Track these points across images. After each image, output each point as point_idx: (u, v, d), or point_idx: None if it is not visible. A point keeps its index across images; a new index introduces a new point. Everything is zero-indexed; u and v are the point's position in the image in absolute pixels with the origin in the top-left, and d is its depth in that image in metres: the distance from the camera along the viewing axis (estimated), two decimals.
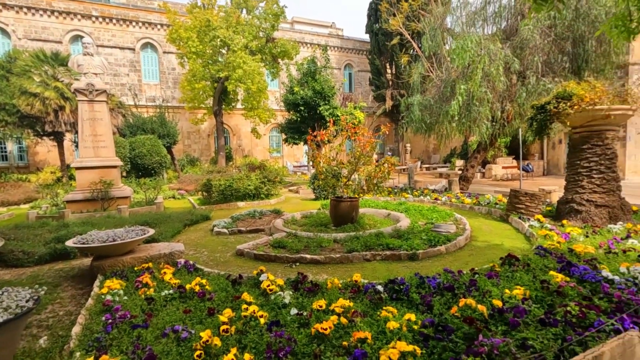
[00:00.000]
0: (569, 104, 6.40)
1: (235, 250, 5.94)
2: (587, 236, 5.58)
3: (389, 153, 32.70)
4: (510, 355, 2.45)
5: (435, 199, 10.53)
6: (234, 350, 2.53)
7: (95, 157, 9.90)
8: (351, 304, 3.29)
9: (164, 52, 25.67)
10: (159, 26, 25.18)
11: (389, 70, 28.74)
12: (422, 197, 11.00)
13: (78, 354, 2.69)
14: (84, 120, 9.76)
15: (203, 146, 27.77)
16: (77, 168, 9.92)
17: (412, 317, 2.95)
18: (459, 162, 24.33)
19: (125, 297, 3.76)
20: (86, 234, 5.02)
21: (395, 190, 12.53)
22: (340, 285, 3.85)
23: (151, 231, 5.28)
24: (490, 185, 16.58)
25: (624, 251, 4.61)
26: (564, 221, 6.48)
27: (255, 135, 23.97)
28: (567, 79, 9.85)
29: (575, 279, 3.69)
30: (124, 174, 16.11)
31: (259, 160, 24.42)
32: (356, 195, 7.83)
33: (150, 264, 4.76)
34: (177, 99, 25.21)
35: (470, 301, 3.15)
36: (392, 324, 2.83)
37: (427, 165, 29.05)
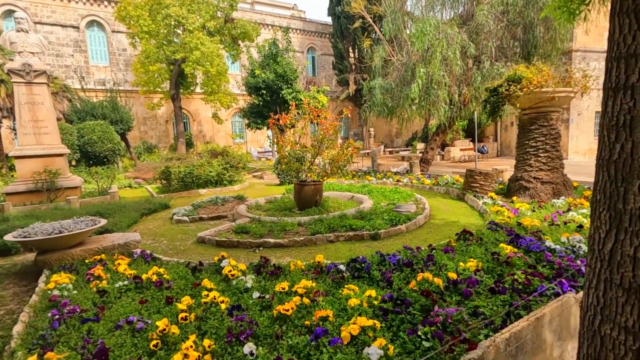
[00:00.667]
0: (518, 86, 6.74)
1: (196, 237, 5.77)
2: (533, 210, 5.99)
3: (356, 138, 33.02)
4: (463, 322, 2.59)
5: (397, 180, 10.81)
6: (192, 337, 2.46)
7: (38, 145, 9.10)
8: (314, 285, 3.31)
9: (113, 32, 23.85)
10: (105, 2, 23.27)
11: (352, 54, 28.67)
12: (384, 179, 11.25)
13: (20, 353, 2.49)
14: (21, 104, 8.89)
15: (161, 133, 26.46)
16: (17, 157, 9.08)
17: (373, 293, 3.02)
18: (420, 145, 25.07)
19: (75, 292, 3.53)
20: (28, 226, 4.63)
21: (359, 174, 12.71)
22: (303, 267, 3.86)
23: (103, 221, 4.97)
24: (448, 167, 17.28)
25: (565, 223, 5.00)
26: (514, 198, 6.91)
27: (217, 120, 23.22)
28: (518, 63, 10.34)
29: (522, 250, 3.95)
30: (74, 163, 15.01)
31: (221, 147, 23.77)
32: (320, 179, 7.84)
33: (104, 256, 4.50)
34: (130, 83, 23.68)
35: (428, 275, 3.27)
36: (353, 301, 2.88)
37: (390, 149, 29.70)
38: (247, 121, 18.73)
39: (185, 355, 2.30)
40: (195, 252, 5.18)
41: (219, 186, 11.57)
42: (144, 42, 18.25)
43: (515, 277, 3.22)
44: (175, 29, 18.94)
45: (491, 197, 7.06)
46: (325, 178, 7.97)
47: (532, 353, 2.31)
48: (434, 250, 4.09)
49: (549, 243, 4.03)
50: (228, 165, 11.77)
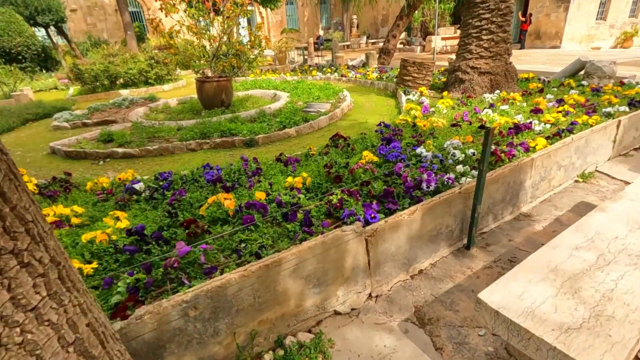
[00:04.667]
0: None
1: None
2: (453, 108, 5.02)
3: (339, 27, 29.56)
4: (197, 266, 1.92)
5: (342, 75, 9.48)
6: None
7: None
8: (79, 211, 2.60)
9: None
10: None
11: None
12: (329, 74, 9.88)
13: None
14: None
15: (112, 25, 23.36)
16: None
17: (126, 223, 2.31)
18: (403, 35, 22.46)
19: None
20: None
21: (311, 68, 11.24)
22: (106, 185, 3.11)
23: None
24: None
25: (470, 123, 4.10)
26: (445, 92, 5.84)
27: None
28: None
29: (381, 158, 3.15)
30: None
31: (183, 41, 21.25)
32: (226, 74, 6.64)
33: None
34: None
35: (222, 197, 2.53)
36: (86, 236, 2.19)
37: (373, 40, 26.78)
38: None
39: None
40: (35, 167, 4.40)
41: (146, 86, 10.27)
42: None
43: (332, 197, 2.48)
44: None
45: (420, 93, 5.98)
46: (233, 73, 6.74)
47: (260, 308, 1.68)
48: (276, 162, 3.29)
49: (420, 150, 3.20)
50: (153, 60, 10.24)
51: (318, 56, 15.31)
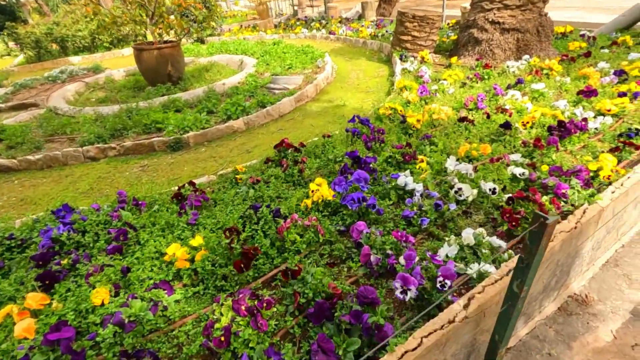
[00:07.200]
0: None
1: None
2: (464, 84, 3.60)
3: None
4: None
5: (331, 32, 7.81)
6: None
7: None
8: None
9: None
10: None
11: None
12: (315, 32, 8.20)
13: None
14: None
15: None
16: None
17: None
18: None
19: None
20: None
21: (289, 24, 9.53)
22: None
23: None
24: (435, 6, 13.31)
25: (488, 115, 2.73)
26: (453, 59, 4.36)
27: None
28: None
29: (339, 197, 1.91)
30: None
31: None
32: (173, 39, 5.19)
33: None
34: None
35: (21, 310, 1.37)
36: None
37: None
38: None
39: None
40: None
41: (103, 50, 8.78)
42: None
43: (218, 319, 1.29)
44: None
45: (422, 59, 4.51)
46: (181, 37, 5.28)
47: None
48: (172, 202, 2.05)
49: (404, 179, 1.93)
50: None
51: (310, 6, 13.27)
